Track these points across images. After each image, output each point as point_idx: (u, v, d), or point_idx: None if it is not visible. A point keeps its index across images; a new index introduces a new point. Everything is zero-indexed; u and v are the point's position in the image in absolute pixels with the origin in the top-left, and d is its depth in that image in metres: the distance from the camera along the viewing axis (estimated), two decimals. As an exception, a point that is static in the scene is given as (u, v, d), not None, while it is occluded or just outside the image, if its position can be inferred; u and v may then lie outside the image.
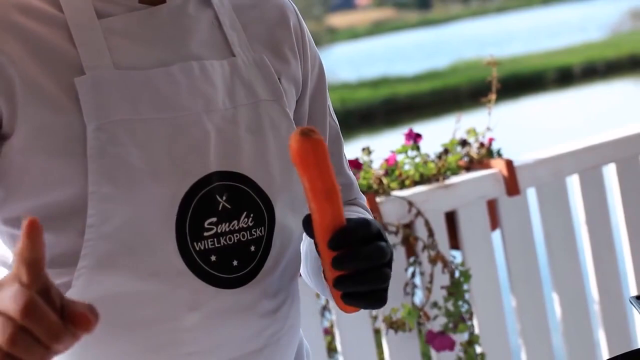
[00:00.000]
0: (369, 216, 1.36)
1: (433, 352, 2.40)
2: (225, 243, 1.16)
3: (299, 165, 1.06)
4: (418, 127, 2.60)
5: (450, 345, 2.28)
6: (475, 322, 2.42)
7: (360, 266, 1.09)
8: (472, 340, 2.33)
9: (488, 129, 2.54)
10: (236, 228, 1.17)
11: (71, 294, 1.11)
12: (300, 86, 1.31)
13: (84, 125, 1.11)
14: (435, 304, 2.30)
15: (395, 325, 2.25)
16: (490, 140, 2.55)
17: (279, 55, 1.28)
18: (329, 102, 1.39)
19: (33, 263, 0.81)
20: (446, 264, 2.31)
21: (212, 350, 1.18)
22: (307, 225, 1.11)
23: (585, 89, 17.83)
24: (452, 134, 2.54)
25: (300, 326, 1.32)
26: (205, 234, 1.15)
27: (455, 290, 2.30)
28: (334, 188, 1.07)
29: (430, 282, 2.31)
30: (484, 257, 2.47)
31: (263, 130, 1.21)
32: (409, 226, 2.35)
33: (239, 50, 1.24)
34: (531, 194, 2.58)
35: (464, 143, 2.53)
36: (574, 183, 2.65)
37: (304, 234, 1.29)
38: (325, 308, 2.42)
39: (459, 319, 2.29)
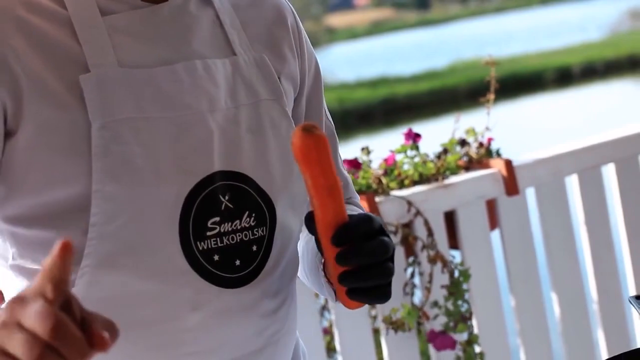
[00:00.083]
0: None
1: (432, 352, 2.40)
2: (228, 242, 1.16)
3: (301, 162, 1.06)
4: (417, 127, 2.60)
5: (452, 345, 2.29)
6: (474, 321, 2.42)
7: (364, 262, 1.10)
8: (471, 340, 2.33)
9: (487, 128, 2.54)
10: (238, 228, 1.17)
11: (74, 293, 1.10)
12: (298, 85, 1.32)
13: (88, 123, 1.11)
14: (435, 303, 2.30)
15: (395, 326, 2.25)
16: (490, 140, 2.55)
17: (278, 55, 1.28)
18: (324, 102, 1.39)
19: (60, 281, 0.79)
20: (445, 263, 2.31)
21: (213, 351, 1.18)
22: (309, 221, 1.11)
23: (584, 89, 17.84)
24: (452, 134, 2.54)
25: (296, 327, 1.32)
26: (209, 233, 1.15)
27: (455, 290, 2.30)
28: (336, 184, 1.07)
29: (430, 281, 2.31)
30: (483, 257, 2.47)
31: (263, 130, 1.21)
32: (408, 226, 2.35)
33: (240, 50, 1.24)
34: (530, 194, 2.58)
35: (463, 143, 2.53)
36: (573, 183, 2.65)
37: (301, 234, 1.29)
38: (324, 308, 2.42)
39: (459, 319, 2.29)
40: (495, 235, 2.53)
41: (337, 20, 44.98)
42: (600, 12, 31.48)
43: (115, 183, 1.10)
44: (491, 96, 2.56)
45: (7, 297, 1.20)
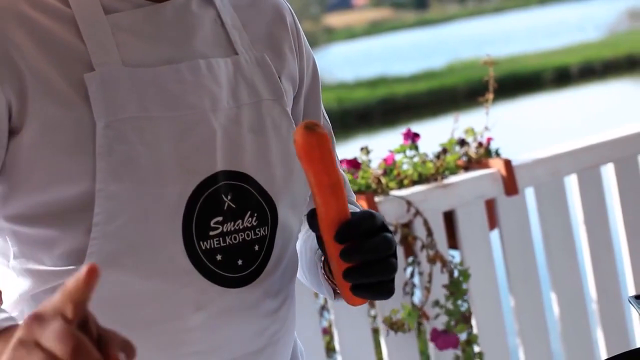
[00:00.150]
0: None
1: (431, 352, 2.40)
2: (231, 242, 1.17)
3: (304, 160, 1.06)
4: (415, 127, 2.60)
5: (454, 344, 2.29)
6: (473, 321, 2.42)
7: (367, 258, 1.10)
8: (471, 340, 2.33)
9: (486, 128, 2.54)
10: (241, 227, 1.17)
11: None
12: (297, 85, 1.32)
13: (93, 122, 1.10)
14: (437, 303, 2.30)
15: (395, 326, 2.25)
16: (489, 140, 2.55)
17: (279, 54, 1.29)
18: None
19: (81, 303, 0.78)
20: (445, 263, 2.31)
21: (214, 350, 1.18)
22: (312, 219, 1.12)
23: (582, 89, 17.84)
24: (451, 134, 2.54)
25: (295, 327, 1.33)
26: (212, 233, 1.15)
27: (454, 289, 2.30)
28: (338, 182, 1.07)
29: (429, 281, 2.31)
30: (483, 257, 2.47)
31: (265, 130, 1.21)
32: (407, 226, 2.35)
33: (242, 49, 1.24)
34: (529, 194, 2.59)
35: (462, 143, 2.53)
36: (572, 183, 2.65)
37: (299, 234, 1.30)
38: (323, 308, 2.42)
39: (460, 318, 2.29)
40: (495, 235, 2.53)
41: (336, 20, 44.97)
42: (598, 12, 31.50)
43: (119, 182, 1.10)
44: (490, 96, 2.56)
45: (7, 297, 1.19)
